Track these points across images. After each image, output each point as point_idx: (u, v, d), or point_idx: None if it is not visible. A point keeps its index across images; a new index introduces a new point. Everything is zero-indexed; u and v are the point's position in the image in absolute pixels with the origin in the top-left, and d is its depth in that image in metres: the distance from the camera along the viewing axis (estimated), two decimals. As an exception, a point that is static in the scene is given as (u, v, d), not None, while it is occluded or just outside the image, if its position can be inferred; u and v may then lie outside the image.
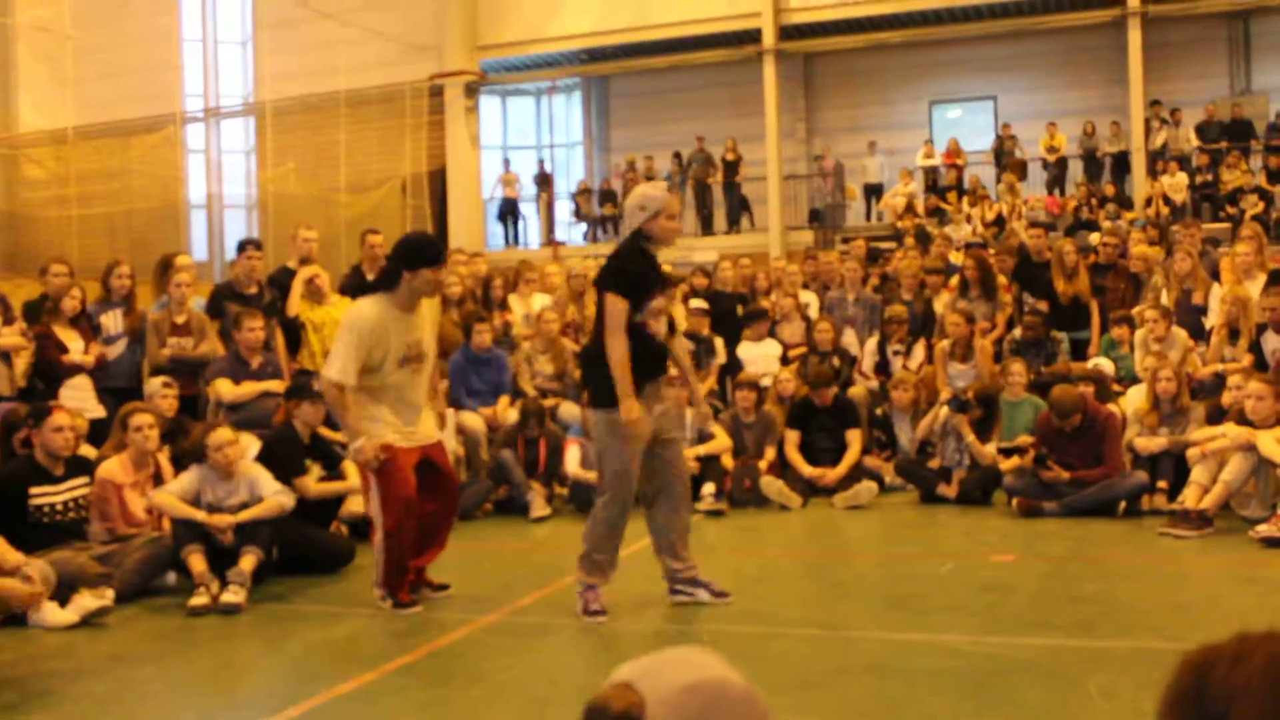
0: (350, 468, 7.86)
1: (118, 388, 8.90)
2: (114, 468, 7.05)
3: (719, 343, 11.05)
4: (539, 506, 8.99)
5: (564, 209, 25.13)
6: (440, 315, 6.74)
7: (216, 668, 5.52)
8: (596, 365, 5.85)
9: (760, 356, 10.93)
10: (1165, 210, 18.93)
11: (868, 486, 9.12)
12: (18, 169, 25.92)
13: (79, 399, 8.46)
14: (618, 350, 5.68)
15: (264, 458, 7.21)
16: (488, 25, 23.91)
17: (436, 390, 6.62)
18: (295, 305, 9.52)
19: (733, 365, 10.89)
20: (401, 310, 6.16)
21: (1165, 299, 10.31)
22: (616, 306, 5.70)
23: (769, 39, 22.16)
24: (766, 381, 10.31)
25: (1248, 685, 1.18)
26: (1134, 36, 20.52)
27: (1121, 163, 21.09)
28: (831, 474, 9.34)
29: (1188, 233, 11.39)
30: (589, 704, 1.40)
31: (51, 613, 5.89)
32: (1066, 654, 5.03)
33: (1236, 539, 7.30)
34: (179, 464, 7.24)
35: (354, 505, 7.92)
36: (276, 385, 8.65)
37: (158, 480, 7.26)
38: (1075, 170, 21.42)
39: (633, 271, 5.77)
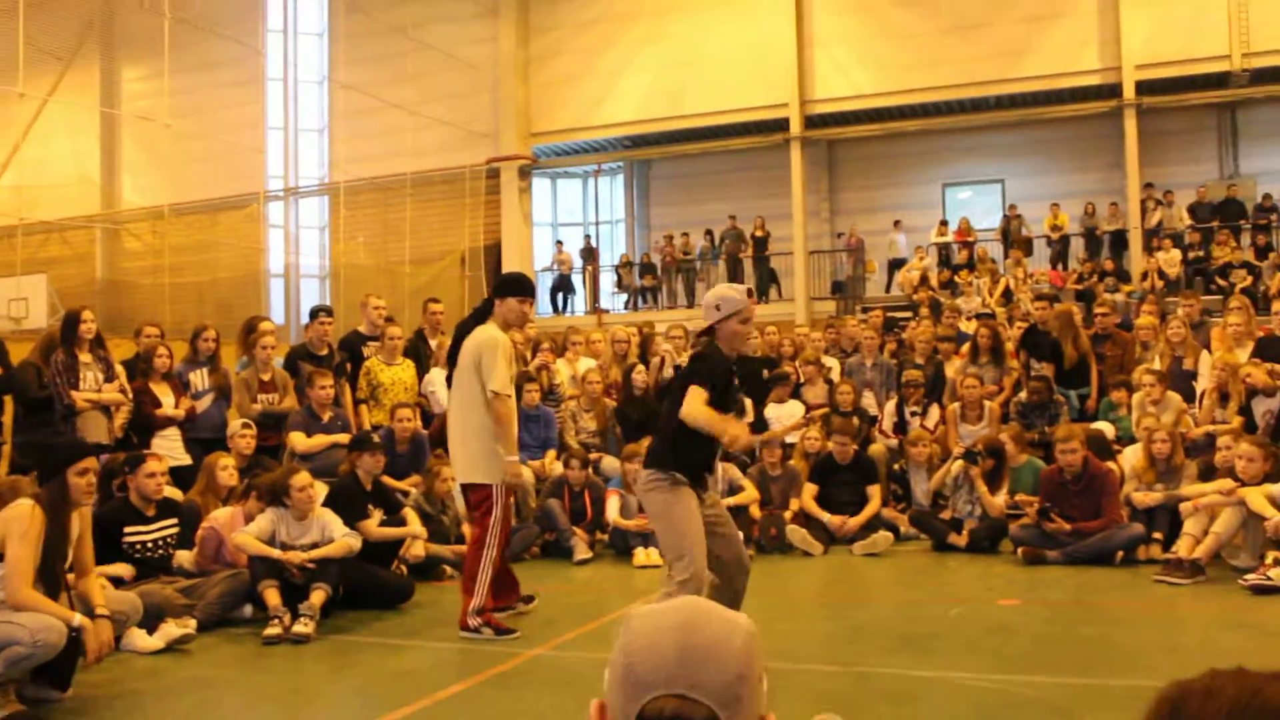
0: (410, 514, 7.96)
1: (204, 438, 9.02)
2: (224, 517, 7.21)
3: (748, 404, 11.06)
4: (581, 550, 9.01)
5: (608, 280, 25.30)
6: None
7: (287, 691, 5.55)
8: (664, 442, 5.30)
9: (786, 416, 10.93)
10: (1160, 283, 18.84)
11: (884, 535, 9.09)
12: (119, 242, 26.42)
13: (169, 448, 8.58)
14: (700, 413, 5.01)
15: (330, 503, 7.29)
16: (539, 115, 24.24)
17: None
18: None
19: (760, 425, 10.89)
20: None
21: (1159, 365, 10.26)
22: (697, 396, 5.06)
23: (795, 127, 22.32)
24: (791, 439, 10.31)
25: (1216, 719, 1.20)
26: (1130, 126, 20.53)
27: (1119, 240, 21.04)
28: (852, 522, 9.32)
29: (1185, 304, 11.32)
30: (663, 716, 1.36)
31: (140, 639, 5.97)
32: (1067, 691, 4.99)
33: (1226, 586, 7.23)
34: (256, 495, 7.34)
35: (415, 549, 7.99)
36: (344, 438, 8.75)
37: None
38: (1077, 247, 21.39)
39: (715, 370, 5.17)
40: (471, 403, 6.36)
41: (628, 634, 1.43)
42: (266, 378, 9.37)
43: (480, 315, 6.58)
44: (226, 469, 7.76)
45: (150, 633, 6.05)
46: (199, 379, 9.32)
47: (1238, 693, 1.20)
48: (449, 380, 6.99)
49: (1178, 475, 8.49)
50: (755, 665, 1.41)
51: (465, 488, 6.63)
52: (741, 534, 8.79)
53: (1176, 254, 19.61)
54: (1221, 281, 18.76)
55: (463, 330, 6.65)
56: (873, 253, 22.89)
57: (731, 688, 1.36)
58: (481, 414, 6.35)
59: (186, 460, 8.69)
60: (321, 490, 7.51)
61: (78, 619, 4.95)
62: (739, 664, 1.38)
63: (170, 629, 6.12)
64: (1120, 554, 8.25)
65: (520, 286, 6.60)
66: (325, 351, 9.94)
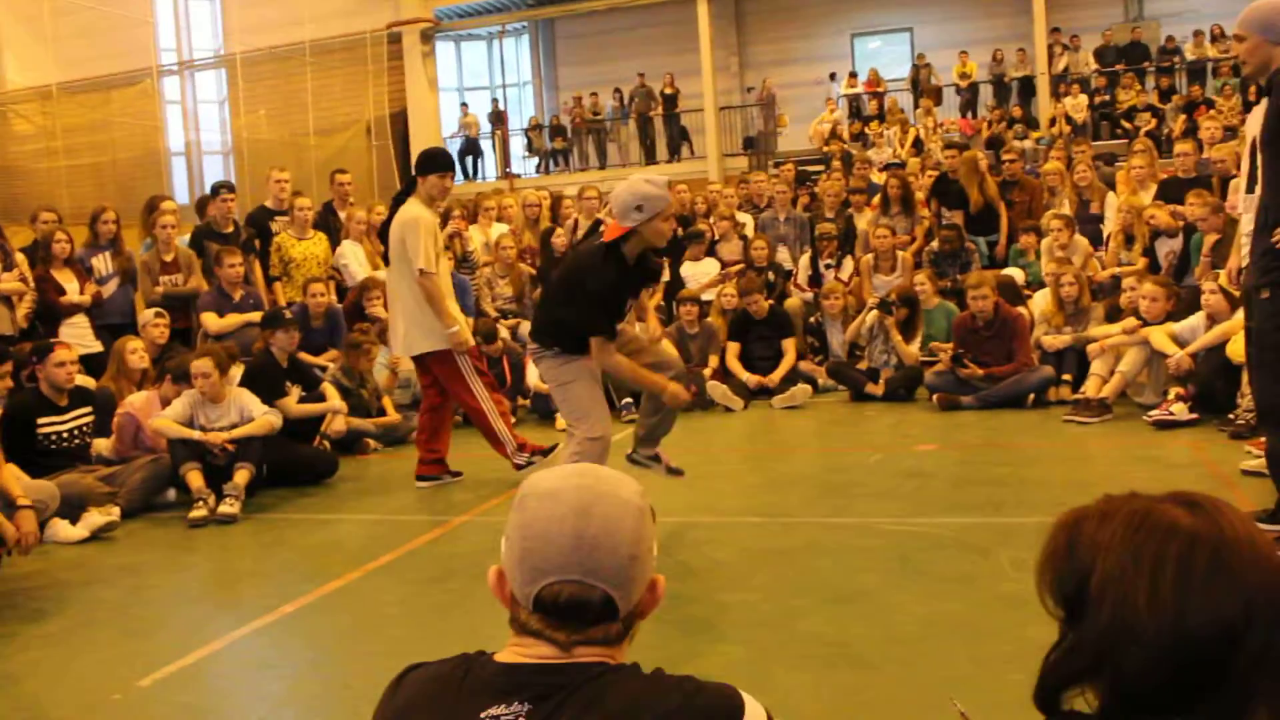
0: (329, 389, 7.89)
1: (113, 324, 8.82)
2: (140, 402, 7.08)
3: (663, 263, 11.05)
4: (505, 417, 9.01)
5: (518, 144, 24.92)
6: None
7: (217, 572, 5.56)
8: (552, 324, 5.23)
9: (701, 274, 10.96)
10: (1068, 129, 18.99)
11: (803, 388, 9.22)
12: (7, 124, 25.26)
13: (78, 336, 8.37)
14: (619, 370, 5.06)
15: (247, 382, 7.20)
16: (440, -26, 23.47)
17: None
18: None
19: (676, 283, 10.91)
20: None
21: (1067, 209, 10.40)
22: (601, 347, 4.98)
23: (702, -20, 21.90)
24: (708, 296, 10.35)
25: (1110, 540, 1.24)
26: (1037, -32, 20.46)
27: (1027, 86, 21.10)
28: (770, 378, 9.43)
29: (1080, 150, 11.50)
30: (559, 600, 1.42)
31: (63, 530, 5.90)
32: (981, 530, 5.15)
33: (1132, 423, 7.49)
34: (170, 378, 7.23)
35: (336, 423, 7.95)
36: (257, 316, 8.60)
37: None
38: (986, 94, 21.45)
39: (605, 294, 4.94)
40: (408, 279, 6.63)
41: (523, 515, 1.46)
42: (169, 259, 9.14)
43: (405, 194, 6.81)
44: (136, 353, 7.60)
45: (73, 523, 5.97)
46: (102, 263, 9.06)
47: (1129, 514, 1.25)
48: (385, 258, 7.24)
49: (1085, 317, 8.68)
50: (645, 541, 1.46)
51: (423, 359, 6.83)
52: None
53: (1083, 99, 19.76)
54: (1127, 125, 18.96)
55: (394, 208, 6.85)
56: (784, 106, 22.73)
57: (625, 569, 1.42)
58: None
59: (97, 347, 8.49)
60: (237, 370, 7.41)
61: (-8, 513, 4.88)
62: (631, 546, 1.43)
63: (94, 518, 6.05)
64: (1031, 396, 8.47)
65: (439, 162, 6.82)
66: (230, 229, 9.70)
